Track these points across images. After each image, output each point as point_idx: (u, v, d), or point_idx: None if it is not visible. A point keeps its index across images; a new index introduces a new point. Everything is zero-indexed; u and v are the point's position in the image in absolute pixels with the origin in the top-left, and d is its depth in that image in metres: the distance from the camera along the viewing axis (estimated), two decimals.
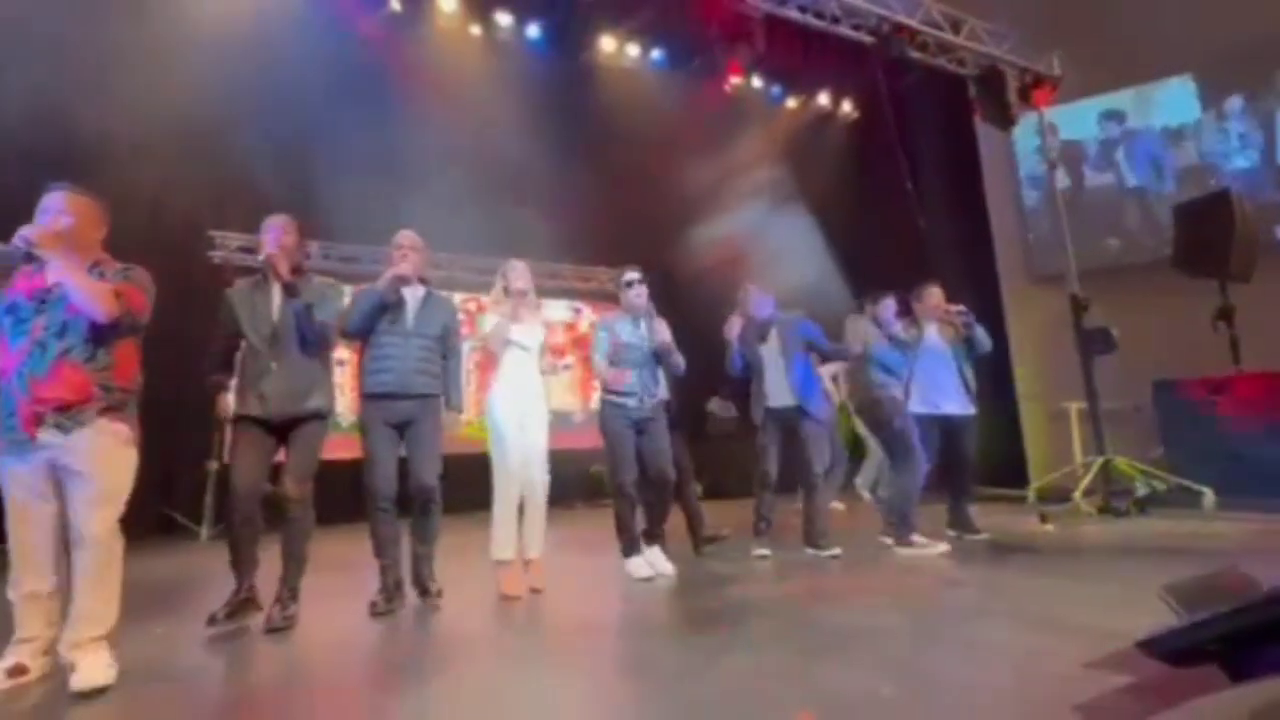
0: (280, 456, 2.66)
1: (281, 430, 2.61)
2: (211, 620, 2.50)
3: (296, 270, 2.72)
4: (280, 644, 2.40)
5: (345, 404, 7.34)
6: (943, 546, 3.68)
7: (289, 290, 2.61)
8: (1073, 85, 6.28)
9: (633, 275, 3.49)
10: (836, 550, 3.60)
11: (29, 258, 2.00)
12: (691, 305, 4.57)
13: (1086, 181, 7.28)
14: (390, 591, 2.79)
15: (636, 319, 3.48)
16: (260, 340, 2.62)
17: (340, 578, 3.45)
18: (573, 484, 7.19)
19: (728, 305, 4.16)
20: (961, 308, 4.19)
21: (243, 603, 2.56)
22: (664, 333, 3.46)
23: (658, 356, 3.47)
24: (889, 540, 3.78)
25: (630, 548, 3.36)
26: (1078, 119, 7.30)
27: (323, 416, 2.69)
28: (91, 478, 2.00)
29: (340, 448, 6.61)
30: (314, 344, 2.66)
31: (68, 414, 1.99)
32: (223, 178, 5.81)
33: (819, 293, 5.49)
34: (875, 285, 4.25)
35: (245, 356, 2.64)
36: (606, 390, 3.42)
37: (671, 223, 7.56)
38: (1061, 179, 7.18)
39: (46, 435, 1.98)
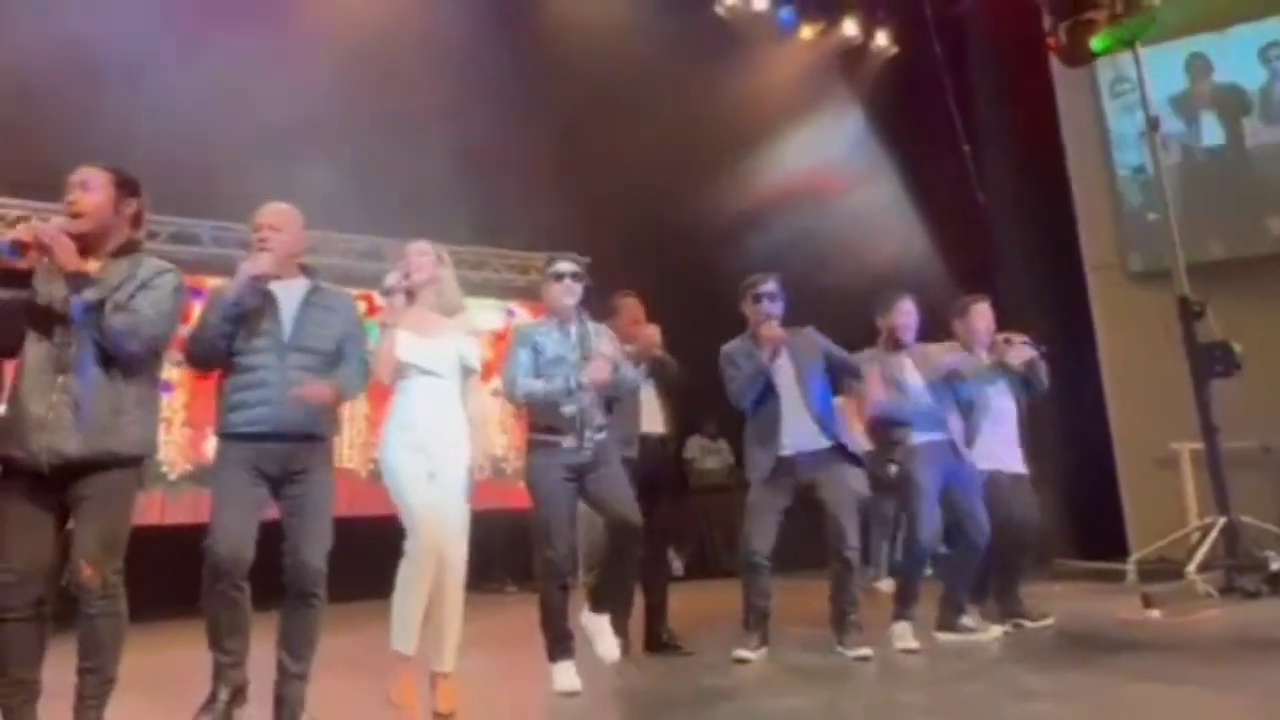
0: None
1: (65, 484, 2.49)
2: None
3: (127, 247, 2.62)
4: None
5: (174, 450, 7.19)
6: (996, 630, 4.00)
7: (73, 281, 2.46)
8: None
9: (567, 265, 3.51)
10: (865, 650, 3.64)
11: None
12: (667, 306, 4.57)
13: (1250, 138, 7.39)
14: (223, 707, 2.67)
15: (565, 325, 3.48)
16: (44, 347, 2.49)
17: (161, 690, 3.34)
18: (504, 557, 7.12)
19: (719, 308, 4.19)
20: (1026, 339, 4.29)
21: None
22: (606, 346, 3.46)
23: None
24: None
25: (559, 649, 3.34)
26: (1240, 49, 7.30)
27: (130, 463, 2.57)
28: None
29: (165, 509, 6.46)
30: (121, 358, 2.53)
31: None
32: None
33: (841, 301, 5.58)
34: (900, 285, 4.29)
35: (21, 375, 2.50)
36: (534, 429, 3.43)
37: (638, 195, 7.61)
38: (1214, 133, 7.44)
39: None
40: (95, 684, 2.48)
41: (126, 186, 2.64)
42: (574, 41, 7.62)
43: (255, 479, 2.76)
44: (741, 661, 3.67)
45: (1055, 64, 7.23)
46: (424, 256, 3.23)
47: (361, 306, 6.75)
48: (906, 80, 9.05)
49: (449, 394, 3.17)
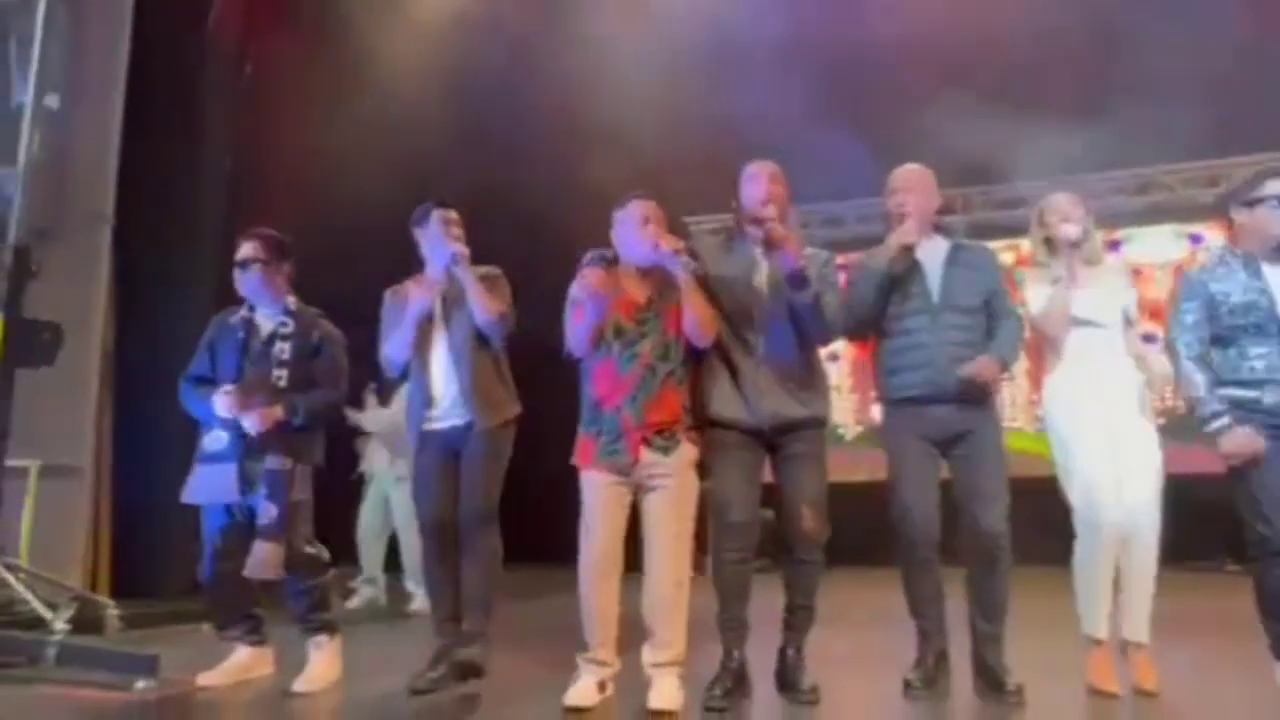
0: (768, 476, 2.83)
1: (771, 443, 2.78)
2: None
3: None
4: None
5: (848, 414, 7.88)
6: None
7: (796, 282, 2.69)
8: None
9: (1276, 187, 2.66)
10: None
11: (609, 262, 2.73)
12: None
13: None
14: (929, 669, 2.82)
15: (1253, 263, 2.69)
16: (744, 319, 2.79)
17: (861, 635, 3.68)
18: (1219, 529, 6.09)
19: None
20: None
21: (736, 678, 2.71)
22: None
23: None
24: None
25: None
26: None
27: (823, 424, 2.86)
28: (674, 498, 2.67)
29: (844, 467, 7.18)
30: (812, 335, 2.83)
31: (666, 435, 2.69)
32: (703, 145, 6.42)
33: None
34: None
35: (725, 340, 2.80)
36: (1222, 382, 2.72)
37: None
38: None
39: (649, 457, 2.68)
40: (803, 618, 2.82)
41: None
42: None
43: (926, 448, 2.84)
44: None
45: None
46: (1078, 208, 2.97)
47: (1008, 257, 6.55)
48: None
49: (1114, 345, 2.90)
